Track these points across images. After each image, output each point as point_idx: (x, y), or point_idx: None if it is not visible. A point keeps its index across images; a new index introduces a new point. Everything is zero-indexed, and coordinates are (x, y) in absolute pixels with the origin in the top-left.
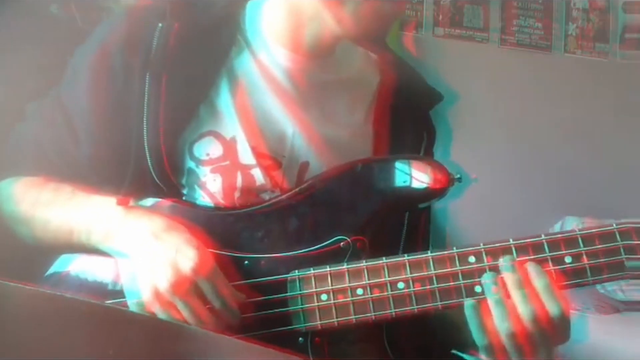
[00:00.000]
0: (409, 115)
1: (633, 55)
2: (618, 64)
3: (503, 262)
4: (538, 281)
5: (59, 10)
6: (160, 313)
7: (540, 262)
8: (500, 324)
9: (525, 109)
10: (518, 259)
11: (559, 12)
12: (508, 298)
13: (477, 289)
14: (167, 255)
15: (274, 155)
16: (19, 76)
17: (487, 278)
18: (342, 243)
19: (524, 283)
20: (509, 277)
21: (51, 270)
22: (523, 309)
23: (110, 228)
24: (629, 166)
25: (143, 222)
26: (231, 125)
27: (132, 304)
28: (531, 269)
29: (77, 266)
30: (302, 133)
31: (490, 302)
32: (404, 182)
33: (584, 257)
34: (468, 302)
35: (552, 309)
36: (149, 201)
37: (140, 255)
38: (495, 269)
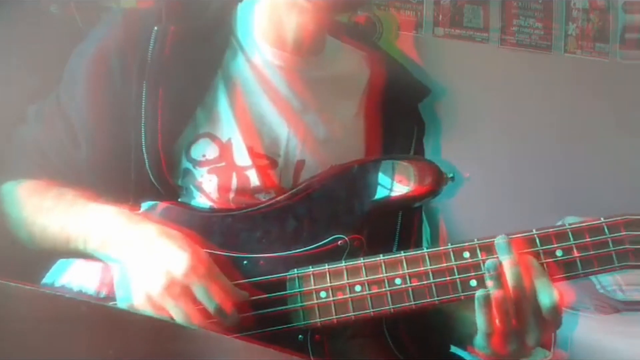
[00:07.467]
0: (399, 109)
1: (633, 55)
2: (618, 64)
3: (498, 240)
4: (532, 269)
5: (59, 10)
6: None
7: (533, 256)
8: (495, 292)
9: (525, 108)
10: (513, 237)
11: (559, 12)
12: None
13: (472, 283)
14: (160, 261)
15: (270, 155)
16: (19, 76)
17: (489, 265)
18: (339, 242)
19: (518, 263)
20: (505, 257)
21: (44, 280)
22: (513, 283)
23: (107, 236)
24: (628, 166)
25: (137, 230)
26: (227, 127)
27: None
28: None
29: (65, 278)
30: (297, 133)
31: (488, 281)
32: (391, 189)
33: (574, 250)
34: (479, 293)
35: (543, 295)
36: (148, 204)
37: (134, 262)
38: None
